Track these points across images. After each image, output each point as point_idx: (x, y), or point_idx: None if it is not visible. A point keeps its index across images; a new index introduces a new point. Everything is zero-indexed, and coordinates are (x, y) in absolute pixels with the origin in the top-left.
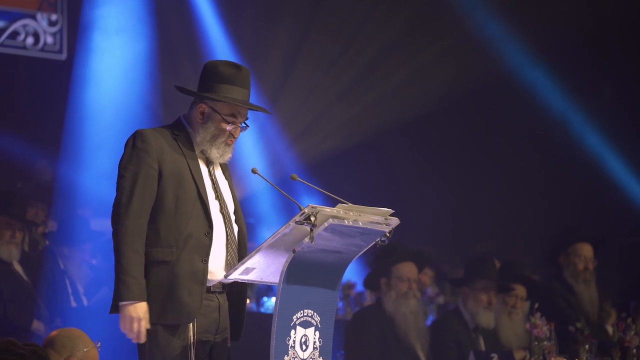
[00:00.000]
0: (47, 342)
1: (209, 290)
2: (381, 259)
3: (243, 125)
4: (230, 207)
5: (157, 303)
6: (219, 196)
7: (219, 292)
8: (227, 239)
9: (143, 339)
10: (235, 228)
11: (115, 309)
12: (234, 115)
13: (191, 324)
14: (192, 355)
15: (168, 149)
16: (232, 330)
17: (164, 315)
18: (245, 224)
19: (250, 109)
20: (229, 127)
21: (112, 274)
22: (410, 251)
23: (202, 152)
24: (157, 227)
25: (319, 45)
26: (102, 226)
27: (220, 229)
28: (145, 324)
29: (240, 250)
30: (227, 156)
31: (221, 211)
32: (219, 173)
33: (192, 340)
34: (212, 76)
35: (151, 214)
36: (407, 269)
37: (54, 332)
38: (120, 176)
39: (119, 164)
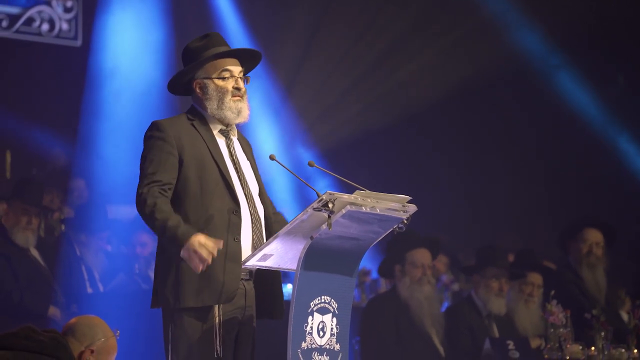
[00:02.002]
0: (66, 329)
1: None
2: (395, 246)
3: (245, 81)
4: (253, 188)
5: (193, 285)
6: (240, 177)
7: (246, 280)
8: (252, 219)
9: (214, 248)
10: (260, 209)
11: (156, 303)
12: (225, 70)
13: (217, 310)
14: (219, 341)
15: (186, 135)
16: (272, 309)
17: (201, 297)
18: None
19: (236, 55)
20: (228, 84)
21: (128, 260)
22: (424, 237)
23: (220, 131)
24: (185, 212)
25: (334, 34)
26: (118, 212)
27: (245, 210)
28: (208, 241)
29: (267, 231)
30: (244, 112)
31: (244, 192)
32: (240, 154)
33: (218, 326)
34: (189, 54)
35: (177, 200)
36: (421, 255)
37: (74, 320)
38: (140, 169)
39: (140, 158)
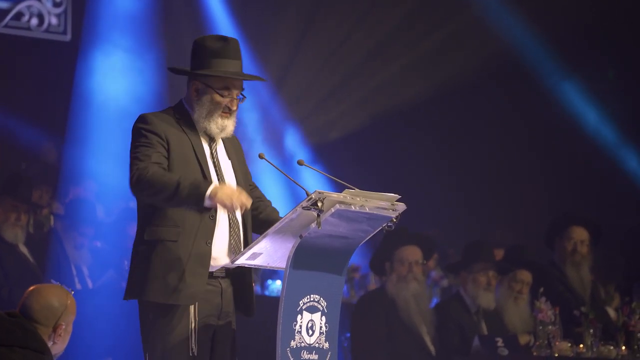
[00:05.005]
0: (27, 315)
1: (211, 275)
2: (386, 242)
3: (240, 97)
4: None
5: (159, 282)
6: (220, 179)
7: (222, 277)
8: (230, 223)
9: (249, 199)
10: (239, 212)
11: (130, 294)
12: (227, 88)
13: (192, 309)
14: (194, 340)
15: (173, 132)
16: (243, 306)
17: (166, 296)
18: None
19: (242, 79)
20: (224, 101)
21: (117, 256)
22: (414, 234)
23: (204, 131)
24: (164, 209)
25: (325, 29)
26: (108, 208)
27: (222, 213)
28: (237, 189)
29: (245, 234)
30: (229, 129)
31: None
32: (222, 155)
33: (193, 326)
34: (201, 52)
35: None
36: (409, 252)
37: (28, 304)
38: (132, 157)
39: (130, 150)
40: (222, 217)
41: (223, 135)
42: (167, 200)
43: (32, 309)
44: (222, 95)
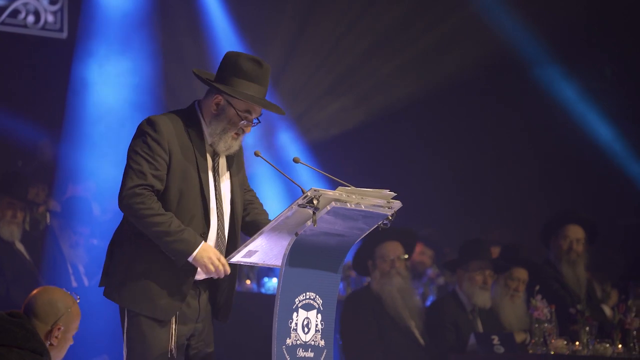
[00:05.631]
0: (28, 311)
1: None
2: (366, 240)
3: (255, 121)
4: (226, 208)
5: (140, 292)
6: (217, 194)
7: (199, 281)
8: (217, 240)
9: (228, 269)
10: (227, 230)
11: (109, 295)
12: (248, 112)
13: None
14: (173, 342)
15: (178, 142)
16: (216, 311)
17: (143, 307)
18: None
19: (266, 109)
20: (241, 123)
21: None
22: (394, 230)
23: (210, 144)
24: None
25: (320, 30)
26: (103, 206)
27: (212, 232)
28: (220, 256)
29: (234, 244)
30: (234, 149)
31: (217, 212)
32: (222, 166)
33: (173, 329)
34: (233, 69)
35: None
36: (390, 248)
37: (32, 299)
38: (130, 160)
39: (129, 149)
40: (211, 235)
41: (227, 153)
42: (152, 238)
43: (35, 304)
44: (241, 118)
